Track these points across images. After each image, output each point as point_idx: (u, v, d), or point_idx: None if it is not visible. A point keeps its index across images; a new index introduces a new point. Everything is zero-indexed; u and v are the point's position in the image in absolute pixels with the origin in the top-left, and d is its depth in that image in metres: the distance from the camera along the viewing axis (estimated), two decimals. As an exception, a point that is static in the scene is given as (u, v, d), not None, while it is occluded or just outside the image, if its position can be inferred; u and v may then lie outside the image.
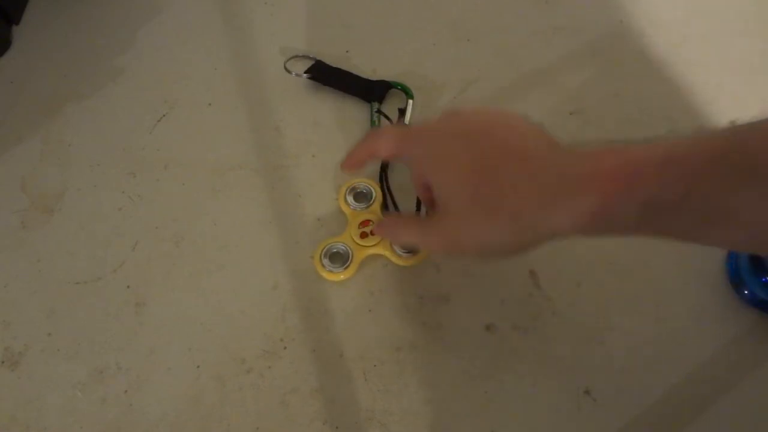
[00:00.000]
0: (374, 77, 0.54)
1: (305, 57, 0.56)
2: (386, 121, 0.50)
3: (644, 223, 0.27)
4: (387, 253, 0.46)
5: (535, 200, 0.29)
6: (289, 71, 0.55)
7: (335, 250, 0.46)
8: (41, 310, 0.47)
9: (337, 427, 0.41)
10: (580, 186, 0.28)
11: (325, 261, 0.46)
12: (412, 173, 0.38)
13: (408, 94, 0.53)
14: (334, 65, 0.55)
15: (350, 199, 0.48)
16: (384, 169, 0.49)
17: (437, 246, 0.35)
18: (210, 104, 0.55)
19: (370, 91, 0.53)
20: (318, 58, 0.56)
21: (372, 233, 0.45)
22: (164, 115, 0.55)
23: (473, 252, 0.33)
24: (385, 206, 0.48)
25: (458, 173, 0.32)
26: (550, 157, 0.30)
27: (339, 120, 0.53)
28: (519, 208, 0.30)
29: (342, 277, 0.45)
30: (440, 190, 0.33)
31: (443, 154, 0.33)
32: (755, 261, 0.40)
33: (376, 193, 0.48)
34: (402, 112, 0.51)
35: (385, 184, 0.49)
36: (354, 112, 0.53)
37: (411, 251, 0.45)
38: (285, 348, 0.44)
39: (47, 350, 0.45)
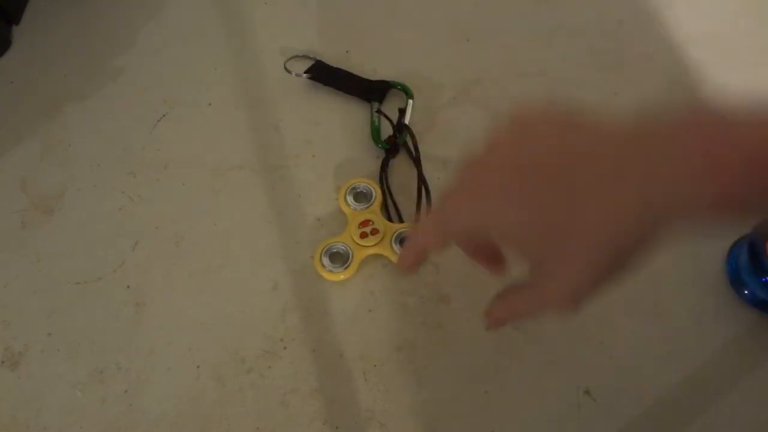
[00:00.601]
0: (374, 77, 0.54)
1: (305, 57, 0.56)
2: (386, 122, 0.50)
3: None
4: (387, 253, 0.46)
5: (634, 197, 0.24)
6: (289, 71, 0.55)
7: (335, 250, 0.46)
8: (41, 310, 0.47)
9: (337, 427, 0.41)
10: (693, 172, 0.23)
11: (325, 261, 0.46)
12: (460, 246, 0.34)
13: (408, 94, 0.53)
14: (334, 65, 0.55)
15: (350, 199, 0.48)
16: (384, 168, 0.50)
17: (562, 304, 0.28)
18: (210, 104, 0.55)
19: (370, 91, 0.53)
20: (318, 58, 0.56)
21: (492, 323, 0.35)
22: (164, 115, 0.55)
23: (599, 287, 0.27)
24: (385, 206, 0.48)
25: (531, 214, 0.26)
26: (627, 149, 0.25)
27: (339, 120, 0.53)
28: (620, 218, 0.24)
29: (342, 277, 0.45)
30: (521, 246, 0.28)
31: (494, 211, 0.28)
32: (755, 261, 0.40)
33: (376, 193, 0.48)
34: (402, 112, 0.51)
35: (385, 184, 0.49)
36: (354, 112, 0.53)
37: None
38: (285, 348, 0.44)
39: (47, 350, 0.45)
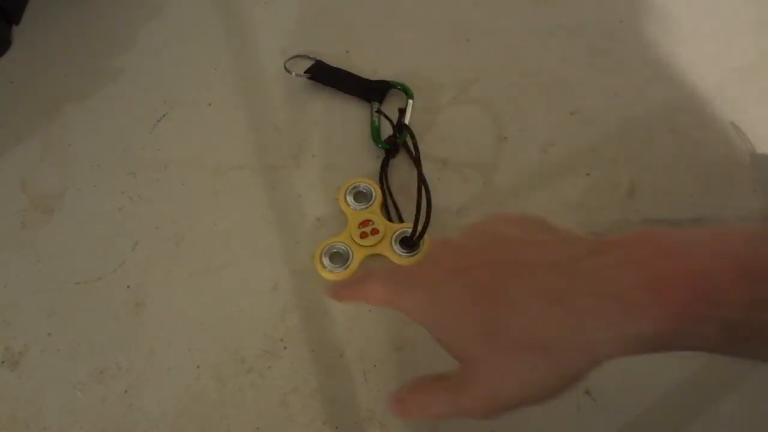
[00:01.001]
0: (374, 77, 0.54)
1: (305, 57, 0.56)
2: (386, 122, 0.50)
3: (725, 344, 0.22)
4: (387, 253, 0.46)
5: (567, 325, 0.24)
6: (289, 71, 0.55)
7: (335, 250, 0.46)
8: (41, 310, 0.47)
9: (337, 427, 0.41)
10: (631, 304, 0.22)
11: (325, 261, 0.46)
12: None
13: (408, 94, 0.53)
14: (334, 65, 0.55)
15: (350, 199, 0.48)
16: (384, 168, 0.50)
17: (477, 411, 0.27)
18: (210, 104, 0.55)
19: (370, 91, 0.53)
20: (318, 58, 0.56)
21: (400, 411, 0.31)
22: (164, 115, 0.55)
23: (519, 405, 0.26)
24: (385, 206, 0.48)
25: (464, 315, 0.26)
26: (573, 264, 0.25)
27: (339, 120, 0.53)
28: (549, 339, 0.24)
29: (342, 277, 0.45)
30: (452, 343, 0.28)
31: (440, 300, 0.27)
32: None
33: (376, 192, 0.48)
34: (402, 112, 0.51)
35: (385, 183, 0.49)
36: (354, 112, 0.53)
37: (411, 251, 0.45)
38: (285, 348, 0.44)
39: (47, 350, 0.45)
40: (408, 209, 0.48)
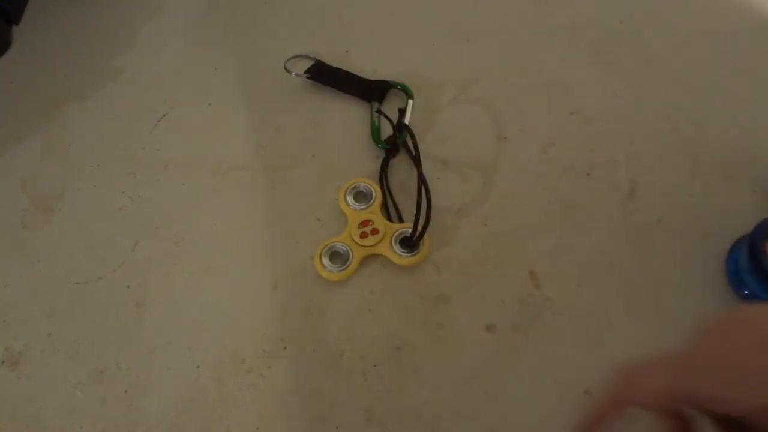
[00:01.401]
0: (374, 77, 0.54)
1: (305, 57, 0.56)
2: (386, 122, 0.50)
3: None
4: (387, 253, 0.46)
5: None
6: (289, 71, 0.55)
7: (335, 250, 0.46)
8: (41, 310, 0.47)
9: (337, 427, 0.41)
10: None
11: (325, 261, 0.46)
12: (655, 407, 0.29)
13: (408, 93, 0.53)
14: (334, 65, 0.55)
15: (350, 199, 0.48)
16: (384, 168, 0.50)
17: None
18: (210, 104, 0.55)
19: (370, 91, 0.53)
20: (318, 58, 0.56)
21: None
22: (164, 115, 0.55)
23: None
24: (385, 206, 0.48)
25: None
26: None
27: (339, 120, 0.53)
28: None
29: (342, 277, 0.45)
30: None
31: (754, 371, 0.25)
32: (755, 261, 0.40)
33: (376, 193, 0.48)
34: (402, 112, 0.51)
35: (385, 183, 0.49)
36: (354, 112, 0.53)
37: (411, 251, 0.45)
38: (285, 348, 0.44)
39: (47, 350, 0.45)
40: (408, 209, 0.48)
